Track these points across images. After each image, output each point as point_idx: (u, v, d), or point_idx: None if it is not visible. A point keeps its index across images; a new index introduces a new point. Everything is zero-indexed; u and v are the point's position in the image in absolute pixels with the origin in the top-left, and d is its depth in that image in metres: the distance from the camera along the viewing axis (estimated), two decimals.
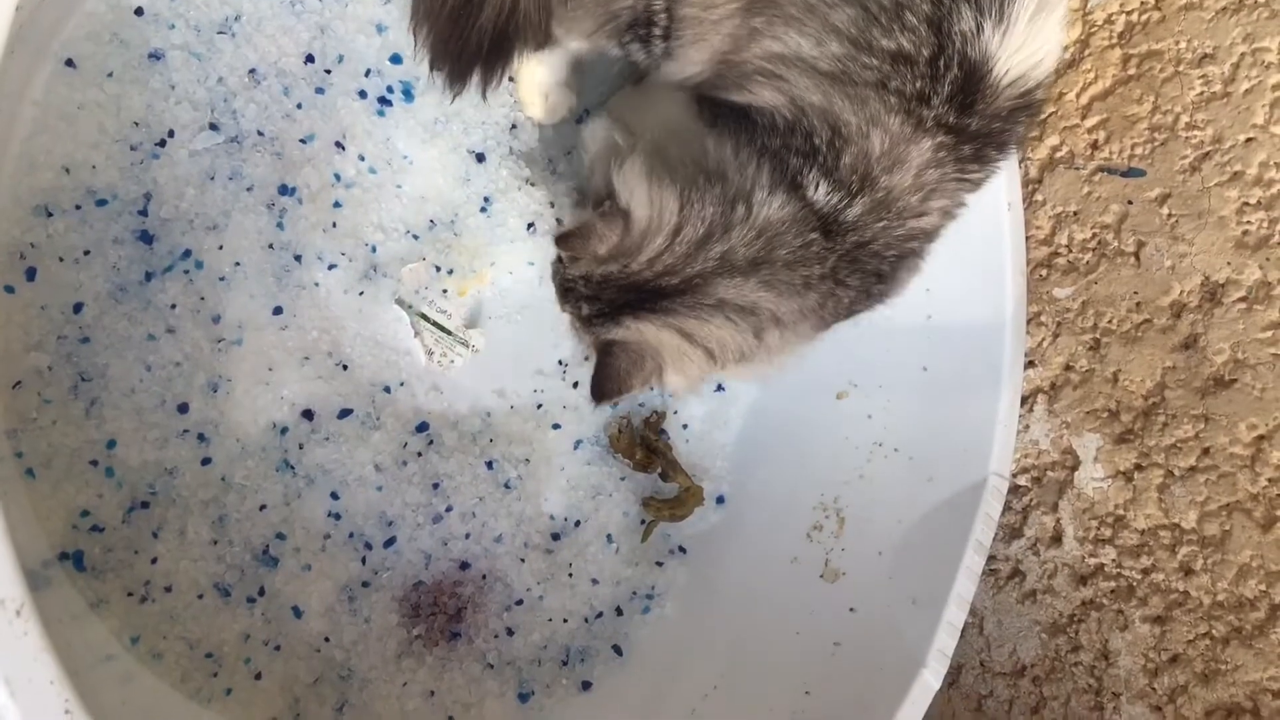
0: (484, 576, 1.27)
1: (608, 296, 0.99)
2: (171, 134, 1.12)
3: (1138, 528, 1.19)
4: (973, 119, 0.92)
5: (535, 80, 1.23)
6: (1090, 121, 1.26)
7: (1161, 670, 1.17)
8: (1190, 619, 1.16)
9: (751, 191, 0.96)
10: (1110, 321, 1.23)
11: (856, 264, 0.98)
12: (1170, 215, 1.19)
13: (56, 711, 0.74)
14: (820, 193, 0.94)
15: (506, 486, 1.29)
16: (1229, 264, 1.14)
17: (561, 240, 0.99)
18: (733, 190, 0.96)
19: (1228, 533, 1.13)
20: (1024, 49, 0.90)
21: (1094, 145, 1.26)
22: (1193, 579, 1.16)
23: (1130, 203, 1.23)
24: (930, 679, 1.09)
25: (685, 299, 0.97)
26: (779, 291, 0.97)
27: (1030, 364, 1.29)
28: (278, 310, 1.17)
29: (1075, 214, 1.27)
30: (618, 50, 1.09)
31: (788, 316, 0.99)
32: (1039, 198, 1.30)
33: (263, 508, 1.16)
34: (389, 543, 1.23)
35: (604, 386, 0.99)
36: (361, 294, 1.21)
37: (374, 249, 1.22)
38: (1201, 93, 1.18)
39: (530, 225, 1.28)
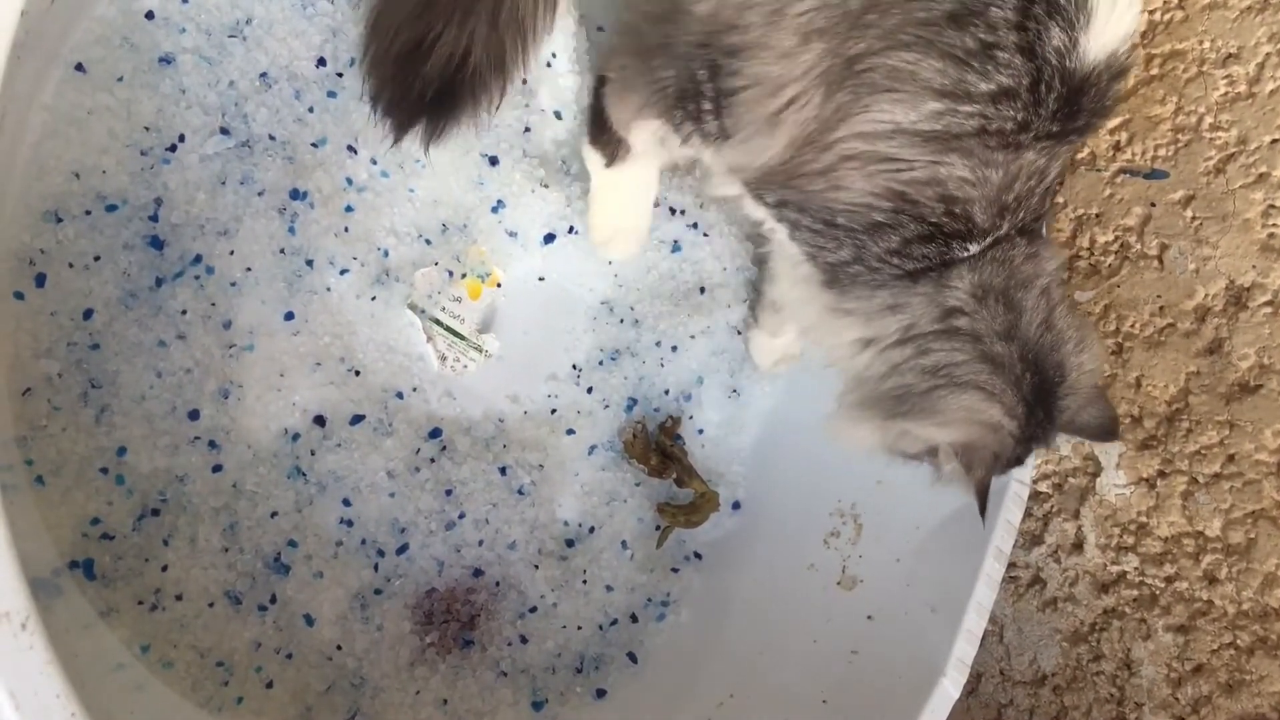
0: (497, 584, 1.26)
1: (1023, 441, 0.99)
2: (182, 139, 1.11)
3: (1161, 535, 1.18)
4: (1078, 119, 0.90)
5: (608, 207, 1.24)
6: (1112, 122, 1.24)
7: (1185, 680, 1.16)
8: (1214, 628, 1.14)
9: (952, 309, 0.95)
10: (1133, 325, 1.21)
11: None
12: (1194, 218, 1.17)
13: None
14: (973, 248, 0.93)
15: (520, 493, 1.28)
16: (1254, 267, 1.13)
17: (980, 490, 0.98)
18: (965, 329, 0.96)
19: (1253, 541, 1.11)
20: (1110, 26, 0.87)
21: (1116, 146, 1.24)
22: (1217, 588, 1.14)
23: (1153, 205, 1.21)
24: (949, 687, 1.07)
25: (1058, 381, 0.97)
26: (1039, 264, 0.97)
27: None
28: (289, 316, 1.16)
29: (1097, 216, 1.25)
30: (681, 144, 1.07)
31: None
32: (1060, 199, 1.28)
33: (274, 515, 1.16)
34: (401, 550, 1.22)
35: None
36: (374, 299, 1.20)
37: (386, 253, 1.21)
38: (1226, 93, 1.16)
39: (549, 236, 1.27)
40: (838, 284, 1.00)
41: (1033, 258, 0.97)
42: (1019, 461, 1.02)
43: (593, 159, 1.19)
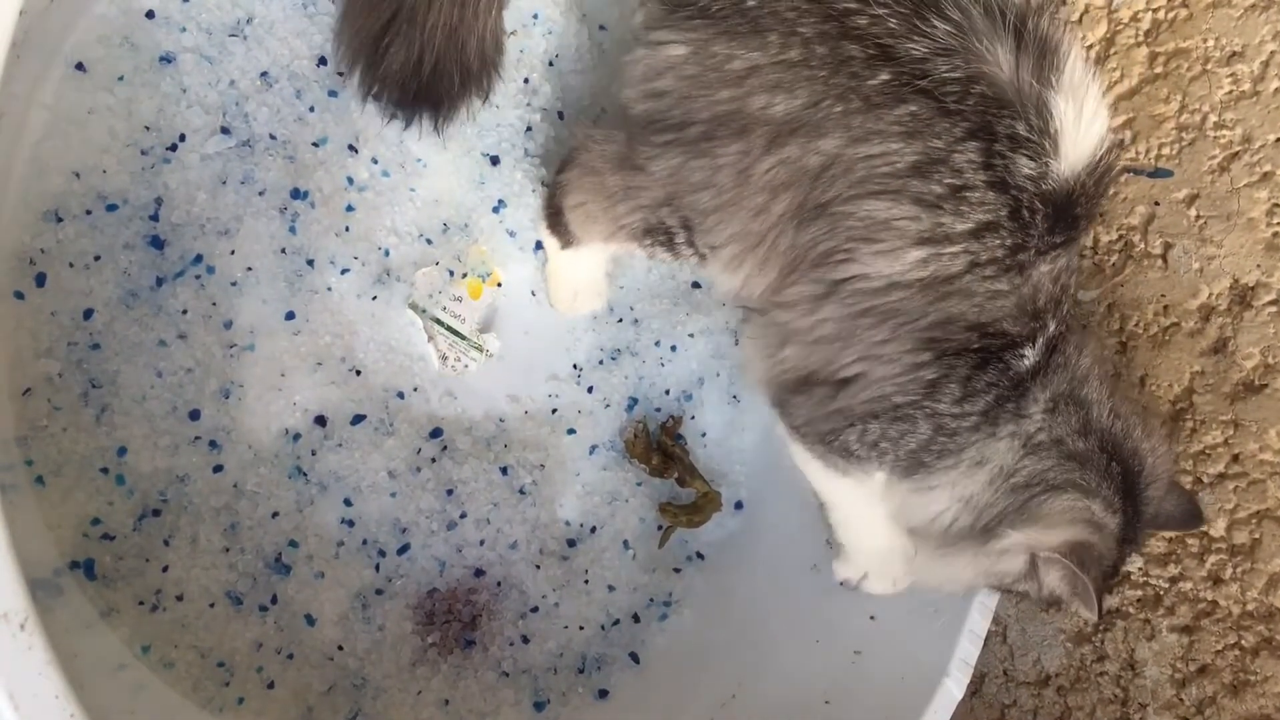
0: (499, 584, 1.26)
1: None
2: (183, 138, 1.11)
3: (1165, 535, 1.17)
4: (1076, 224, 0.90)
5: (564, 280, 1.24)
6: (1116, 121, 1.24)
7: (1189, 681, 1.15)
8: (1219, 629, 1.14)
9: (1029, 432, 0.95)
10: (1137, 325, 1.21)
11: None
12: (1198, 217, 1.17)
13: None
14: (1029, 353, 0.92)
15: (521, 492, 1.28)
16: (1259, 266, 1.12)
17: (1098, 592, 0.95)
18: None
19: (1258, 541, 1.11)
20: (1080, 142, 0.87)
21: (1120, 145, 1.24)
22: (1221, 588, 1.13)
23: (1157, 204, 1.20)
24: (953, 688, 1.07)
25: (1138, 470, 0.97)
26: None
27: None
28: (290, 315, 1.16)
29: (1100, 215, 1.25)
30: (646, 255, 1.10)
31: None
32: None
33: (275, 515, 1.15)
34: (403, 550, 1.21)
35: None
36: (374, 298, 1.20)
37: (387, 253, 1.21)
38: (1230, 91, 1.15)
39: (539, 244, 1.27)
40: (921, 467, 0.97)
41: (1080, 348, 0.96)
42: (1116, 570, 1.00)
43: (549, 241, 1.19)
